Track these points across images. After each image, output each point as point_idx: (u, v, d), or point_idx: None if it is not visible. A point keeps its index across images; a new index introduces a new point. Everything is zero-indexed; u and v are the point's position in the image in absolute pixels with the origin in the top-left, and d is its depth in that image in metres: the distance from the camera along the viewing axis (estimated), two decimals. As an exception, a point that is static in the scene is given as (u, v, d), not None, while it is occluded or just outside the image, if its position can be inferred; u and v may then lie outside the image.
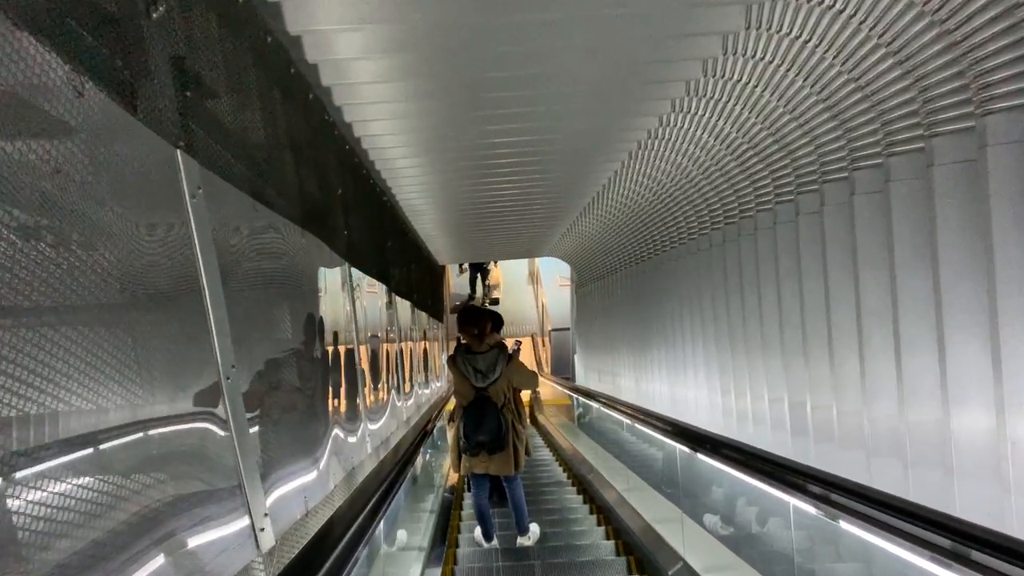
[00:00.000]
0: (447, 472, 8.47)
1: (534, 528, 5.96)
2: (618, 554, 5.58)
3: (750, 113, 5.14)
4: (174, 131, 2.22)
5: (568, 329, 18.55)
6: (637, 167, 7.37)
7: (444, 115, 5.41)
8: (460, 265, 21.42)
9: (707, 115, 5.46)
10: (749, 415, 6.35)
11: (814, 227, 5.10)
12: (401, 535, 5.02)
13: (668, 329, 8.90)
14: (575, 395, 10.65)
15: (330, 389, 4.20)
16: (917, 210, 3.99)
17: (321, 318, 4.07)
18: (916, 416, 4.00)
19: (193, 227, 2.29)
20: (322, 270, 4.19)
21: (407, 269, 9.31)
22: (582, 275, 15.66)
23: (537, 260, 22.73)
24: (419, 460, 6.05)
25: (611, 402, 7.48)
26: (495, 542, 5.82)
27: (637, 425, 6.05)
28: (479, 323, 5.42)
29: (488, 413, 5.28)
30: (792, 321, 5.46)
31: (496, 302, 19.66)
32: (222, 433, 2.46)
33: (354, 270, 5.04)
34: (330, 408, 4.14)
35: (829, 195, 4.84)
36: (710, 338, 7.37)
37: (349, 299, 4.91)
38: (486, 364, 5.36)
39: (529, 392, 12.62)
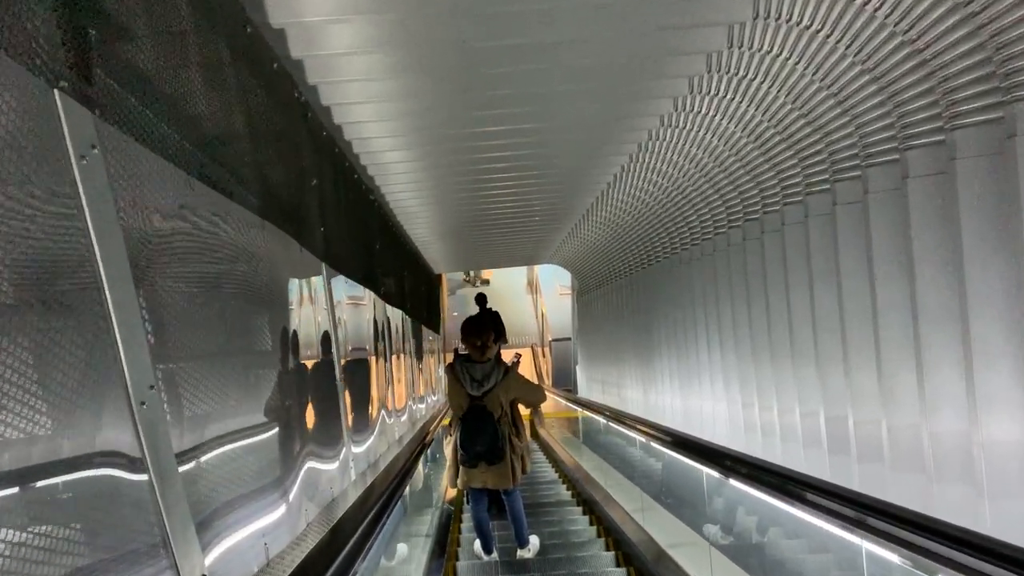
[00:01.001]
0: (446, 486, 8.10)
1: (534, 540, 5.89)
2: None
3: (779, 91, 4.54)
4: (51, 64, 1.62)
5: (569, 339, 17.93)
6: (642, 166, 6.85)
7: (435, 105, 4.98)
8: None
9: (727, 96, 4.87)
10: (776, 430, 5.73)
11: (855, 219, 4.50)
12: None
13: (680, 337, 8.29)
14: (579, 408, 10.02)
15: (302, 411, 3.59)
16: (994, 190, 3.39)
17: (290, 327, 3.46)
18: (992, 434, 3.39)
19: (84, 200, 1.68)
20: (291, 271, 3.58)
21: (399, 276, 8.70)
22: (584, 282, 15.06)
23: (536, 268, 22.20)
24: (416, 478, 5.63)
25: (620, 417, 6.86)
26: (495, 555, 5.78)
27: (655, 444, 5.43)
28: (482, 334, 5.37)
29: (484, 422, 5.24)
30: (828, 326, 4.85)
31: (487, 283, 18.93)
32: (134, 477, 1.85)
33: (333, 273, 4.43)
34: (302, 433, 3.52)
35: (875, 181, 4.24)
36: (729, 346, 6.76)
37: (327, 306, 4.30)
38: (483, 373, 5.31)
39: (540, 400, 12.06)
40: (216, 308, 2.55)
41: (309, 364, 3.85)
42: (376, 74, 4.35)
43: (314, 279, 4.08)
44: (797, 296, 5.30)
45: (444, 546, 6.79)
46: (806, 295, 5.14)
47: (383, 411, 6.42)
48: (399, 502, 4.78)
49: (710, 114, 5.23)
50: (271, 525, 2.85)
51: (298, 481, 3.35)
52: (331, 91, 4.40)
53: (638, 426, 5.74)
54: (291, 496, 3.18)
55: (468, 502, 6.06)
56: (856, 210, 4.48)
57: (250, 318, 2.92)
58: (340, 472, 4.29)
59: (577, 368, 16.97)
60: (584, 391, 16.02)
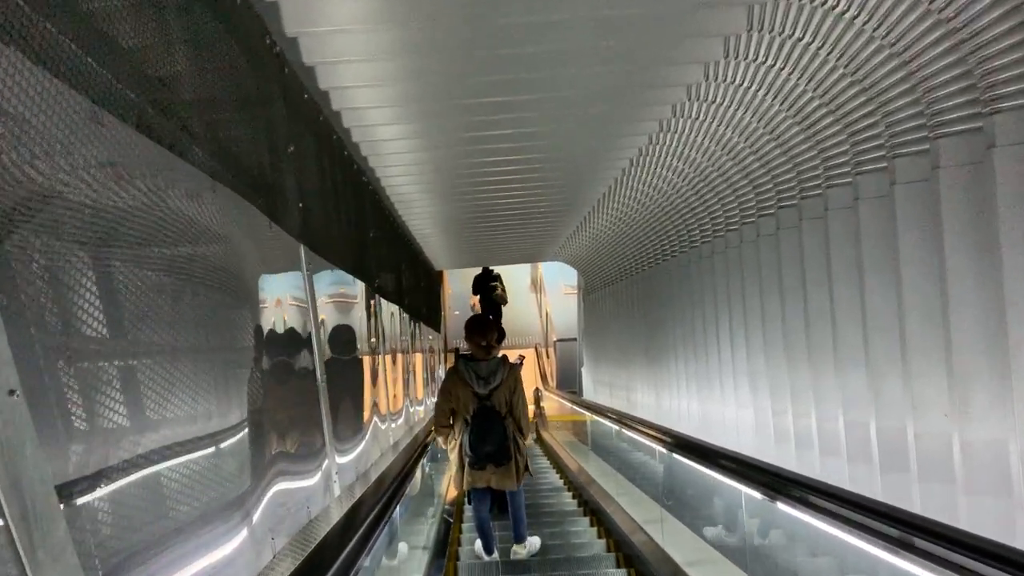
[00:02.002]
0: (447, 487, 8.05)
1: (534, 540, 5.91)
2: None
3: (839, 62, 3.94)
4: None
5: (574, 340, 17.31)
6: (659, 151, 6.30)
7: (436, 88, 4.67)
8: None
9: (744, 84, 4.27)
10: (814, 441, 5.12)
11: (916, 201, 3.89)
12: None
13: (698, 337, 7.68)
14: (588, 412, 9.40)
15: (268, 419, 2.98)
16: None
17: (252, 318, 2.86)
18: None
19: None
20: (256, 249, 2.97)
21: (396, 269, 8.09)
22: (590, 280, 14.44)
23: (540, 267, 21.59)
24: (414, 482, 5.34)
25: (634, 423, 6.24)
26: (496, 555, 5.77)
27: (677, 456, 4.81)
28: (487, 334, 5.39)
29: (493, 423, 5.24)
30: (883, 325, 4.24)
31: (497, 277, 18.20)
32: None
33: (315, 258, 3.82)
34: (267, 446, 2.92)
35: (946, 153, 3.63)
36: (756, 347, 6.14)
37: (307, 295, 3.69)
38: (488, 370, 5.30)
39: (532, 408, 11.49)
40: (140, 291, 1.94)
41: (279, 364, 3.24)
42: (372, 35, 3.76)
43: (286, 261, 3.47)
44: (843, 290, 4.68)
45: (445, 546, 6.62)
46: (853, 289, 4.53)
47: (375, 415, 5.82)
48: (398, 510, 4.22)
49: (744, 85, 4.62)
50: (219, 564, 2.25)
51: (260, 506, 2.74)
52: (315, 46, 3.79)
53: (661, 436, 5.12)
54: (249, 525, 2.58)
55: (469, 502, 6.03)
56: (920, 189, 3.87)
57: (196, 306, 2.31)
58: (321, 487, 3.69)
59: (583, 370, 16.35)
60: (590, 394, 15.39)
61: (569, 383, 17.21)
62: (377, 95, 4.64)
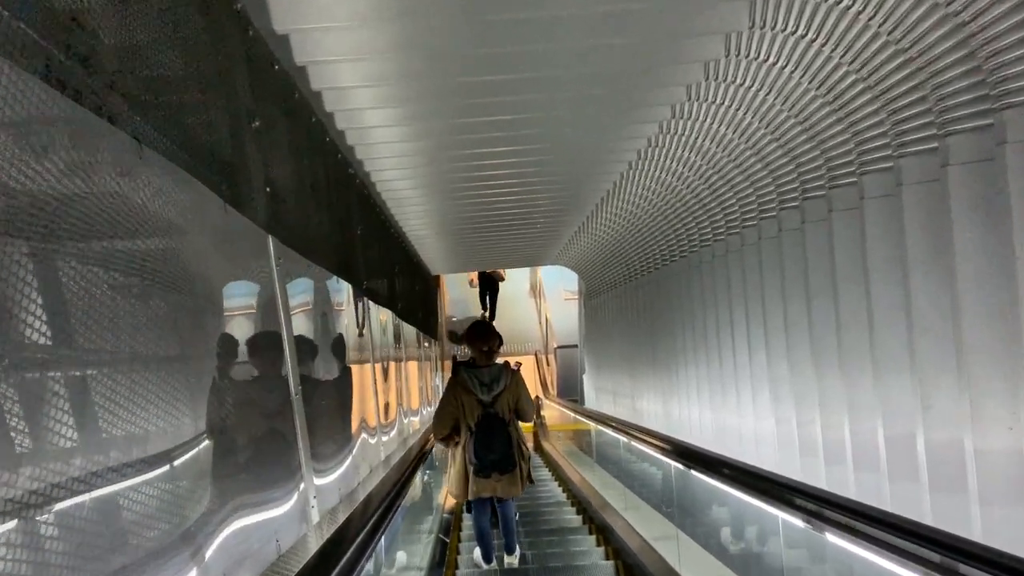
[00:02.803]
0: (446, 494, 7.93)
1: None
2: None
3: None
4: None
5: (575, 346, 16.82)
6: (670, 143, 5.82)
7: (429, 80, 4.45)
8: (470, 281, 19.74)
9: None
10: (847, 455, 4.63)
11: (976, 182, 3.41)
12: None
13: (711, 343, 7.19)
14: (592, 422, 8.89)
15: (225, 439, 2.50)
16: None
17: (199, 320, 2.37)
18: None
19: None
20: (207, 236, 2.49)
21: (389, 272, 7.61)
22: (592, 285, 13.96)
23: (540, 272, 21.14)
24: (406, 498, 4.92)
25: (646, 436, 5.74)
26: (494, 563, 5.75)
27: (699, 475, 4.32)
28: (489, 340, 5.36)
29: (497, 430, 5.18)
30: (932, 327, 3.75)
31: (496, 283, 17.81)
32: None
33: (288, 252, 3.33)
34: (225, 472, 2.43)
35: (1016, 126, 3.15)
36: (779, 353, 5.65)
37: (277, 294, 3.20)
38: (491, 376, 5.26)
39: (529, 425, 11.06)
40: (42, 287, 1.46)
41: (240, 375, 2.76)
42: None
43: (253, 256, 2.99)
44: (882, 289, 4.20)
45: (444, 554, 6.49)
46: (896, 288, 4.05)
47: (364, 429, 5.33)
48: (396, 519, 3.75)
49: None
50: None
51: (215, 542, 2.26)
52: (287, 10, 3.31)
53: (677, 451, 4.61)
54: (200, 566, 2.10)
55: (467, 511, 5.95)
56: (979, 172, 3.39)
57: (125, 305, 1.83)
58: (295, 515, 3.20)
59: (584, 377, 15.86)
60: (592, 402, 14.90)
61: (570, 391, 16.72)
62: (363, 75, 4.18)
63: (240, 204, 2.78)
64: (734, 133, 5.21)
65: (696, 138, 5.57)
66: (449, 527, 7.54)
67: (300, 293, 3.69)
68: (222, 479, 2.44)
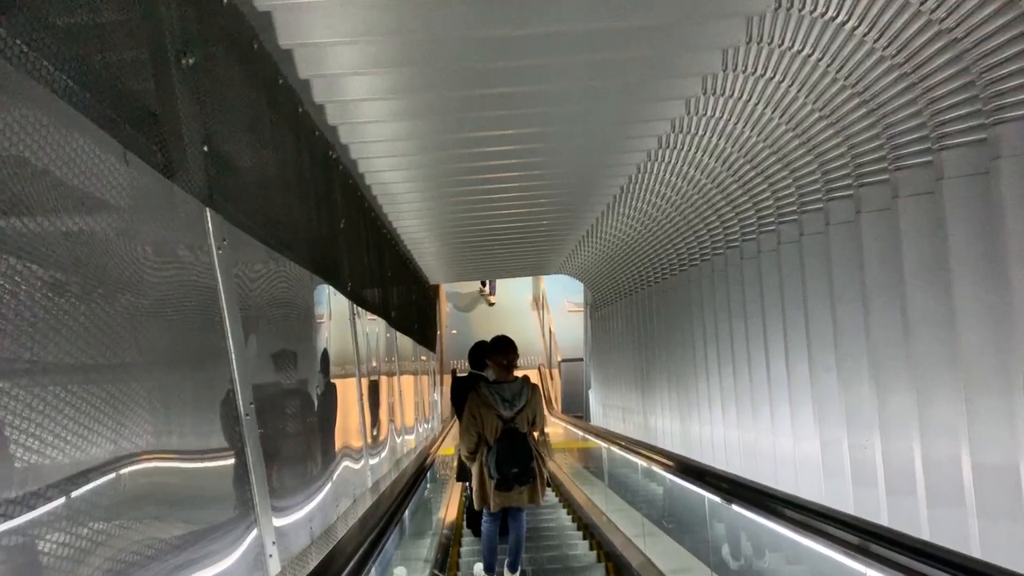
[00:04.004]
0: (443, 516, 7.89)
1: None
2: None
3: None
4: None
5: (580, 360, 16.06)
6: (677, 146, 5.29)
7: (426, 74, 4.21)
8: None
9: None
10: (917, 485, 3.89)
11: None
12: None
13: (738, 354, 6.46)
14: (603, 442, 8.12)
15: (127, 480, 1.77)
16: None
17: (77, 311, 1.64)
18: None
19: None
20: (104, 198, 1.77)
21: (381, 277, 6.88)
22: (599, 294, 13.23)
23: (543, 283, 20.45)
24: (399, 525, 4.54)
25: (670, 460, 4.99)
26: (495, 574, 5.78)
27: (747, 512, 3.57)
28: (509, 355, 5.36)
29: (519, 445, 5.19)
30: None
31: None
32: None
33: (231, 232, 2.59)
34: (131, 521, 1.71)
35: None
36: (824, 365, 4.92)
37: (218, 286, 2.47)
38: (512, 392, 5.27)
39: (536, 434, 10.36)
40: None
41: (157, 392, 2.03)
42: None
43: (180, 232, 2.26)
44: (966, 289, 3.47)
45: (444, 569, 6.37)
46: (985, 283, 3.33)
47: (347, 453, 4.60)
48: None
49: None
50: None
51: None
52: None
53: (725, 490, 3.85)
54: None
55: (468, 525, 6.01)
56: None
57: None
58: (242, 570, 2.47)
59: (590, 392, 15.10)
60: (599, 419, 14.13)
61: (575, 407, 15.95)
62: (355, 60, 3.72)
63: (158, 160, 2.07)
64: (765, 116, 4.51)
65: (730, 120, 4.87)
66: (448, 554, 6.98)
67: (257, 289, 2.96)
68: (123, 530, 1.73)
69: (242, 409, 2.61)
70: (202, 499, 2.27)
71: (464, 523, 7.85)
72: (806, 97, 4.29)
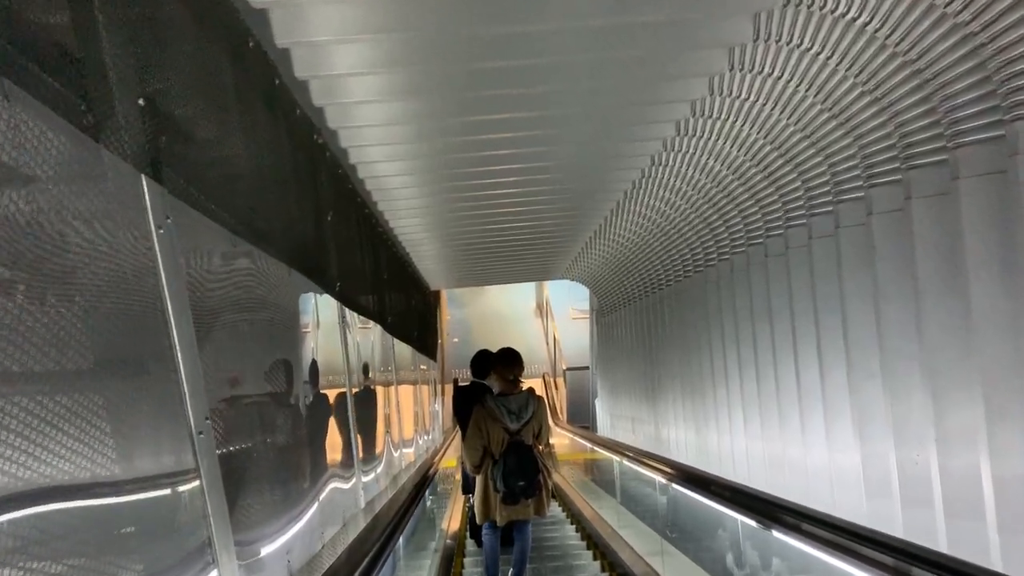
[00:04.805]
0: (447, 527, 7.85)
1: None
2: None
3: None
4: None
5: (586, 368, 15.57)
6: (698, 132, 4.92)
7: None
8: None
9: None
10: (985, 509, 3.40)
11: None
12: None
13: (762, 359, 5.98)
14: (613, 454, 7.62)
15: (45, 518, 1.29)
16: None
17: None
18: None
19: None
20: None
21: (376, 279, 6.40)
22: (606, 300, 12.75)
23: (546, 290, 19.99)
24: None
25: (694, 480, 4.50)
26: None
27: (789, 538, 3.08)
28: (515, 367, 5.36)
29: (525, 458, 5.18)
30: None
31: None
32: None
33: (175, 207, 2.10)
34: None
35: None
36: (867, 371, 4.43)
37: (159, 271, 1.99)
38: (518, 404, 5.27)
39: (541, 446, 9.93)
40: None
41: (79, 409, 1.55)
42: None
43: (108, 204, 1.79)
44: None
45: None
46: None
47: (335, 473, 4.12)
48: None
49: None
50: None
51: None
52: None
53: (764, 514, 3.36)
54: None
55: (471, 535, 5.89)
56: None
57: None
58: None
59: (596, 402, 14.60)
60: (606, 429, 13.62)
61: (581, 417, 15.44)
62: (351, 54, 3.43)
63: (79, 115, 1.60)
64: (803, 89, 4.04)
65: (757, 100, 4.41)
66: (451, 564, 6.76)
67: (218, 281, 2.48)
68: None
69: (194, 425, 2.13)
70: (133, 542, 1.79)
71: (467, 534, 7.73)
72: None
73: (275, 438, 3.04)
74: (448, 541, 7.43)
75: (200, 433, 2.15)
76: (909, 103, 3.72)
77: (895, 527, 4.02)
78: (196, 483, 2.12)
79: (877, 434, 4.33)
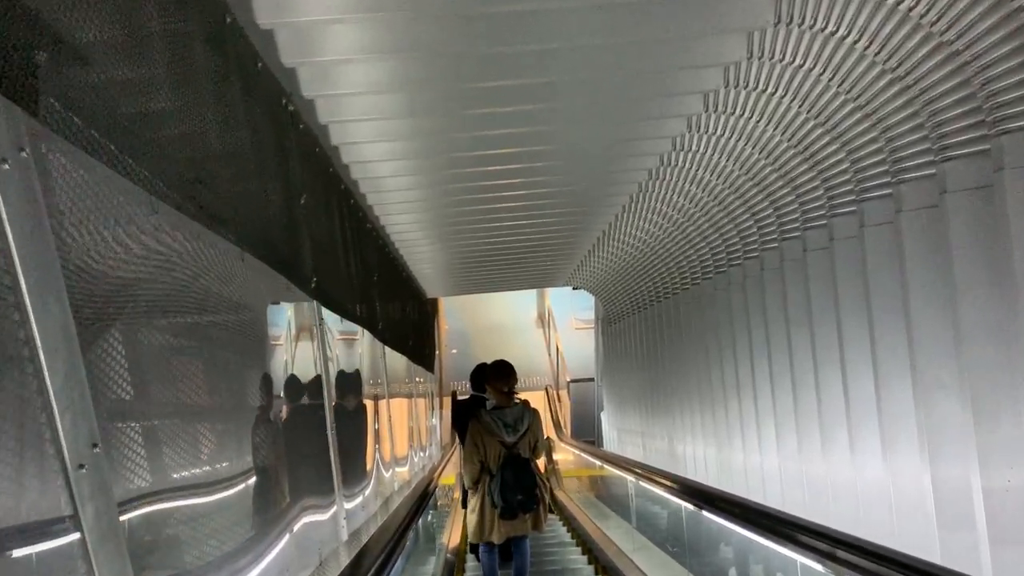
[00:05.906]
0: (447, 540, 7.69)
1: None
2: None
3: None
4: None
5: (591, 380, 14.89)
6: (709, 129, 4.74)
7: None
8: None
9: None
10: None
11: None
12: None
13: (799, 368, 5.32)
14: (629, 475, 6.92)
15: None
16: None
17: None
18: None
19: None
20: None
21: (364, 280, 5.73)
22: (612, 307, 12.09)
23: (548, 300, 19.36)
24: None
25: (739, 509, 3.83)
26: None
27: None
28: (509, 380, 5.33)
29: (522, 471, 5.13)
30: None
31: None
32: None
33: (39, 133, 1.45)
34: None
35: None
36: (933, 380, 3.77)
37: (12, 232, 1.33)
38: (514, 417, 5.23)
39: (543, 460, 9.39)
40: None
41: None
42: None
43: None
44: None
45: None
46: None
47: (308, 505, 3.44)
48: None
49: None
50: None
51: None
52: None
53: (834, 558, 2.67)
54: None
55: (470, 551, 5.81)
56: None
57: None
58: None
59: (602, 416, 13.91)
60: (613, 444, 12.94)
61: (586, 431, 14.75)
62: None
63: None
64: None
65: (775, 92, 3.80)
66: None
67: (124, 256, 1.82)
68: None
69: (69, 458, 1.46)
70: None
71: (467, 548, 7.62)
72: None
73: (219, 468, 2.36)
74: (448, 556, 7.31)
75: (81, 467, 1.49)
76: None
77: (937, 557, 3.37)
78: (74, 536, 1.46)
79: (910, 449, 3.69)
